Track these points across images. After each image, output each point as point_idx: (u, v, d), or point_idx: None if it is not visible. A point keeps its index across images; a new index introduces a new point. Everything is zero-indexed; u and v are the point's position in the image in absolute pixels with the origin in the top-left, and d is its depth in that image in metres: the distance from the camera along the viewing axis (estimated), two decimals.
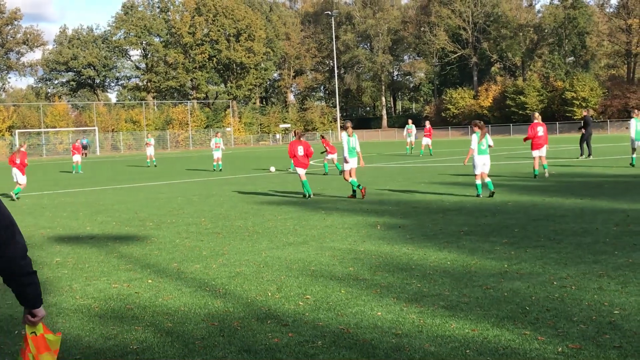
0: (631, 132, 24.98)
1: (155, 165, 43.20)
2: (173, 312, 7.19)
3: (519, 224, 12.25)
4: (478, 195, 16.68)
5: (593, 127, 32.39)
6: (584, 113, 31.79)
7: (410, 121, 44.69)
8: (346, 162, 18.48)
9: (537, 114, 22.42)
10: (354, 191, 18.29)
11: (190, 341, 6.20)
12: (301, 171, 18.99)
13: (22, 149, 23.27)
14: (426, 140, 40.92)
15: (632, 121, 25.09)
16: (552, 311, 6.63)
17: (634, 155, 24.72)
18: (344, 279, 8.40)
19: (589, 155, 30.27)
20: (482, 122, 17.15)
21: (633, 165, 24.48)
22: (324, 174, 27.91)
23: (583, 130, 31.25)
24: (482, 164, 16.78)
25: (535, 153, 21.58)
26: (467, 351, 5.61)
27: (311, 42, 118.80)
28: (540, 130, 21.50)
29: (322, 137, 31.78)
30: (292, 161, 19.56)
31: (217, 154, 34.57)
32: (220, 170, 33.84)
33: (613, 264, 8.61)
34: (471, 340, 5.90)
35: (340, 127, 20.46)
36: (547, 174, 21.92)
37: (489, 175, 17.18)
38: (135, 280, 8.89)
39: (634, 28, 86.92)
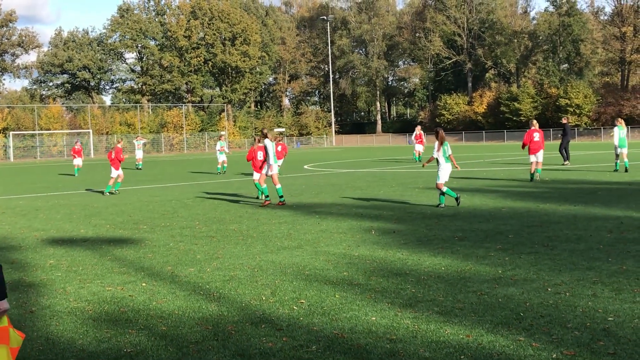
0: (615, 139, 25.93)
1: (140, 169, 42.89)
2: (167, 316, 7.17)
3: (513, 230, 12.27)
4: (438, 205, 16.21)
5: (586, 134, 33.80)
6: (563, 121, 32.40)
7: (419, 127, 44.79)
8: (270, 168, 18.45)
9: (534, 121, 23.86)
10: (266, 196, 18.35)
11: (184, 345, 6.19)
12: (256, 176, 19.54)
13: (119, 146, 24.75)
14: (419, 147, 40.65)
15: (615, 129, 26.09)
16: (547, 317, 6.64)
17: (618, 161, 25.97)
18: (338, 284, 8.39)
19: (567, 160, 30.95)
20: (439, 130, 16.77)
21: (617, 171, 25.68)
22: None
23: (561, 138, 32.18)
24: (445, 173, 16.35)
25: (532, 158, 22.87)
26: (462, 357, 5.62)
27: (306, 47, 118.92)
28: (537, 135, 22.88)
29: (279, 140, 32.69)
30: (251, 164, 20.08)
31: (222, 157, 34.55)
32: (224, 172, 33.98)
33: (607, 270, 8.63)
34: (466, 346, 5.90)
35: (262, 134, 20.56)
36: (538, 178, 22.79)
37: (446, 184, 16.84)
38: (129, 283, 8.87)
39: (628, 36, 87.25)
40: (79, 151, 39.76)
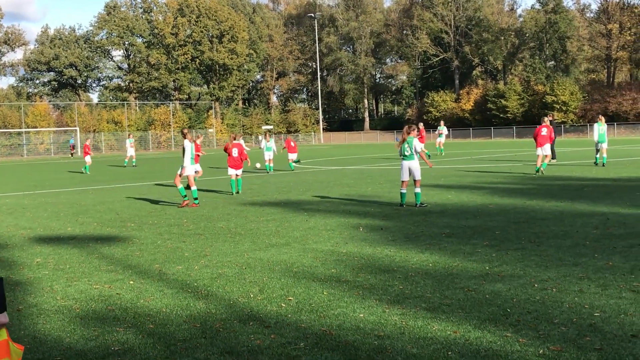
0: (595, 135, 27.35)
1: (135, 165, 43.89)
2: (155, 314, 7.16)
3: (500, 226, 12.31)
4: (401, 205, 15.96)
5: (572, 131, 34.57)
6: (549, 118, 32.60)
7: (442, 123, 46.07)
8: (185, 169, 18.15)
9: (545, 118, 25.93)
10: (195, 198, 18.06)
11: (172, 343, 6.18)
12: (232, 171, 21.05)
13: (197, 142, 23.32)
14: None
15: (595, 125, 27.59)
16: (533, 313, 6.67)
17: (598, 156, 27.49)
18: (326, 281, 8.40)
19: (553, 158, 30.78)
20: (409, 126, 16.35)
21: (596, 164, 27.22)
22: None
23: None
24: (407, 169, 15.97)
25: (539, 151, 24.38)
26: (449, 353, 5.64)
27: (294, 44, 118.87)
28: (544, 130, 24.48)
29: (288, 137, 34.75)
30: (227, 160, 21.41)
31: (269, 154, 32.23)
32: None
33: (593, 266, 8.68)
34: (453, 342, 5.92)
35: (182, 134, 20.69)
36: (542, 172, 23.90)
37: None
38: (116, 281, 8.85)
39: (614, 33, 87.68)
40: (88, 147, 40.50)
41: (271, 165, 31.87)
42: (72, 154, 76.96)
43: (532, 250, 9.92)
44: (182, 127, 19.42)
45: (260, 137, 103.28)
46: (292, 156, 34.08)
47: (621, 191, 17.52)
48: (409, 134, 16.06)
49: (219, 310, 7.20)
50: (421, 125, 37.34)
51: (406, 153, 16.00)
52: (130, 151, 44.29)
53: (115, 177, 32.68)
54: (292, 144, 34.47)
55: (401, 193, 16.09)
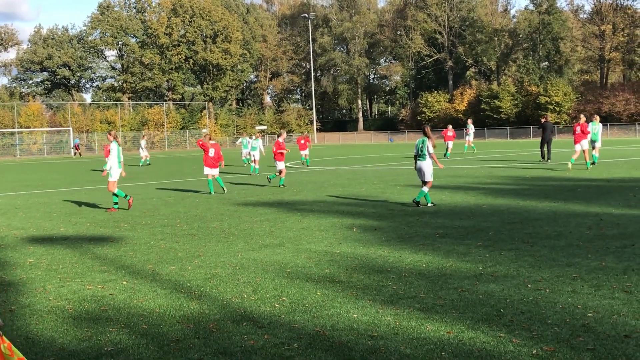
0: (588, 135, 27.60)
1: (149, 164, 45.12)
2: (148, 314, 7.15)
3: (493, 227, 12.33)
4: (425, 204, 15.93)
5: (565, 132, 36.01)
6: (542, 120, 33.36)
7: (470, 121, 47.03)
8: (112, 174, 17.88)
9: (582, 115, 27.56)
10: (115, 203, 17.75)
11: (165, 343, 6.17)
12: (208, 171, 21.50)
13: (280, 139, 24.07)
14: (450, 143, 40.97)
15: (590, 125, 28.14)
16: (527, 314, 6.68)
17: (596, 154, 28.35)
18: (320, 281, 8.40)
19: (548, 159, 31.45)
20: (427, 127, 16.40)
21: (593, 163, 27.72)
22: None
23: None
24: (418, 170, 16.12)
25: (577, 147, 26.43)
26: (443, 353, 5.64)
27: (288, 45, 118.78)
28: (578, 129, 26.40)
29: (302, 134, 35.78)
30: (203, 158, 21.82)
31: (255, 154, 32.16)
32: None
33: (586, 267, 8.69)
34: (446, 342, 5.92)
35: (111, 135, 20.41)
36: (591, 165, 26.40)
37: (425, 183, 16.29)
38: (109, 281, 8.83)
39: (607, 34, 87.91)
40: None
41: (257, 167, 31.35)
42: (75, 154, 76.72)
43: (526, 250, 9.94)
44: (109, 130, 18.99)
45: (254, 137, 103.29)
46: (305, 152, 36.56)
47: (614, 192, 17.57)
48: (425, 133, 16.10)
49: (213, 311, 7.19)
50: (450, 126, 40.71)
51: (421, 152, 16.06)
52: (144, 151, 45.34)
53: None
54: (302, 141, 36.79)
55: (423, 192, 16.01)
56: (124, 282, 8.73)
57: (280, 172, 23.27)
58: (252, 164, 31.49)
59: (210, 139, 22.10)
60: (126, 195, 17.82)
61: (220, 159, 21.79)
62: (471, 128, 44.96)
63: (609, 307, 6.83)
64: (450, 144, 40.54)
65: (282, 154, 23.49)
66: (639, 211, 13.68)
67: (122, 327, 6.70)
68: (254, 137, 32.73)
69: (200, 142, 21.86)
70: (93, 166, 46.86)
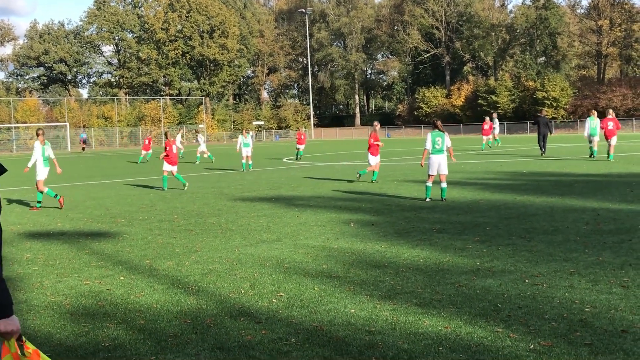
0: (586, 129, 29.26)
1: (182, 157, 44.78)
2: (145, 309, 7.14)
3: (490, 222, 12.34)
4: (425, 199, 16.00)
5: (562, 127, 38.06)
6: (540, 115, 34.67)
7: (495, 114, 48.79)
8: (38, 172, 17.65)
9: (610, 111, 29.05)
10: (39, 202, 17.67)
11: (162, 338, 6.16)
12: (168, 167, 21.91)
13: (375, 130, 22.18)
14: (486, 137, 43.14)
15: (588, 120, 29.46)
16: (524, 309, 6.69)
17: (595, 148, 29.04)
18: (317, 276, 8.40)
19: (542, 152, 32.43)
20: (438, 121, 16.49)
21: (592, 155, 28.86)
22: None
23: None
24: (438, 164, 16.04)
25: (609, 142, 27.36)
26: (440, 348, 5.64)
27: (285, 40, 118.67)
28: (610, 124, 27.66)
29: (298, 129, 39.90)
30: (164, 158, 22.12)
31: (247, 150, 31.09)
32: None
33: (584, 262, 8.70)
34: (444, 337, 5.92)
35: (37, 134, 20.06)
36: (609, 160, 26.77)
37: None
38: (107, 277, 8.82)
39: (604, 29, 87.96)
40: (150, 139, 44.74)
41: (250, 162, 30.76)
42: (83, 149, 76.65)
43: (523, 245, 9.94)
44: (38, 128, 18.91)
45: (251, 133, 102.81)
46: (300, 147, 39.02)
47: (612, 187, 17.58)
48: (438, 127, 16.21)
49: (210, 306, 7.19)
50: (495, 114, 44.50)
51: (437, 147, 16.00)
52: (202, 146, 43.36)
53: (104, 173, 32.57)
54: (302, 137, 39.52)
55: (427, 187, 16.13)
56: (121, 278, 8.73)
57: (374, 165, 21.65)
58: (244, 161, 30.39)
59: (169, 136, 23.04)
60: (56, 195, 17.38)
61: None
62: (496, 122, 46.48)
63: (606, 302, 6.84)
64: (485, 137, 43.03)
65: (377, 146, 21.73)
66: (636, 206, 13.70)
67: (120, 323, 6.70)
68: (241, 133, 31.72)
69: (167, 142, 22.37)
70: (99, 162, 46.79)
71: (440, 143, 16.01)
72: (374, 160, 21.71)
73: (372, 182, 21.43)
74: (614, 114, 28.07)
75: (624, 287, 7.36)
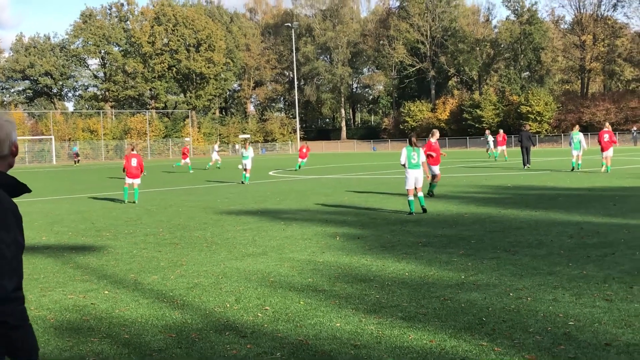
0: (572, 144, 30.19)
1: (218, 167, 47.81)
2: (130, 324, 7.11)
3: (475, 235, 12.38)
4: (410, 213, 16.00)
5: (547, 140, 39.58)
6: (522, 129, 36.14)
7: (488, 131, 53.17)
8: None
9: (607, 124, 29.32)
10: None
11: (147, 353, 6.14)
12: (129, 180, 22.23)
13: (432, 140, 21.11)
14: (501, 148, 45.06)
15: (572, 134, 30.62)
16: (509, 322, 6.71)
17: (576, 161, 29.98)
18: (303, 290, 8.40)
19: (526, 165, 33.50)
20: (414, 137, 16.72)
21: (573, 169, 29.73)
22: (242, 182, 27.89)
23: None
24: (414, 178, 16.23)
25: (603, 154, 27.76)
26: None
27: (271, 54, 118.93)
28: (606, 136, 27.69)
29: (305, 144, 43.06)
30: (125, 170, 22.52)
31: (246, 162, 31.17)
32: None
33: (567, 275, 8.75)
34: (429, 351, 5.94)
35: None
36: (603, 169, 27.65)
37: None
38: (91, 291, 8.78)
39: (588, 44, 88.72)
40: (187, 149, 47.74)
41: (247, 175, 30.98)
42: (75, 162, 76.35)
43: (508, 259, 9.99)
44: None
45: (237, 146, 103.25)
46: (302, 160, 41.33)
47: (595, 201, 17.70)
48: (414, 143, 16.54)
49: (195, 320, 7.17)
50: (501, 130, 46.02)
51: (413, 161, 16.29)
52: (215, 155, 49.12)
53: (90, 186, 32.44)
54: (304, 150, 41.56)
55: (409, 201, 16.22)
56: (106, 292, 8.69)
57: (434, 177, 20.45)
58: (244, 172, 30.70)
59: (132, 149, 23.24)
60: None
61: (142, 169, 22.68)
62: (490, 137, 49.76)
63: (590, 315, 6.88)
64: (500, 148, 44.71)
65: (433, 157, 20.54)
66: (619, 220, 13.79)
67: (104, 337, 6.67)
68: (242, 146, 32.52)
69: (125, 156, 23.03)
70: (87, 175, 46.58)
71: (416, 158, 16.34)
72: (437, 170, 20.66)
73: (429, 194, 19.99)
74: (610, 127, 28.69)
75: (607, 301, 7.41)
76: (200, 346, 6.27)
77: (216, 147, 52.15)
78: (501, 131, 46.31)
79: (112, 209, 20.29)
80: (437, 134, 21.25)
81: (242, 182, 30.27)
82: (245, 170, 30.58)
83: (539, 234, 12.23)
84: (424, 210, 16.13)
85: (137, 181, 22.32)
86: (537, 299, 7.57)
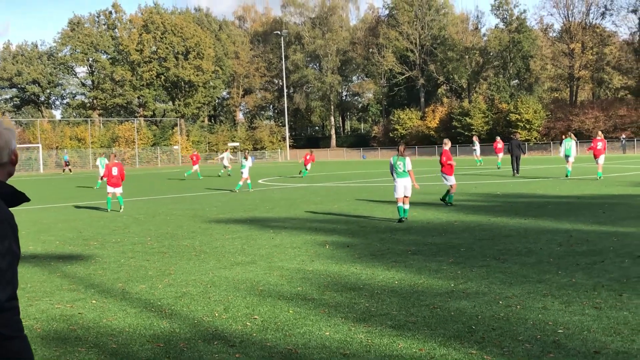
0: (561, 150, 30.77)
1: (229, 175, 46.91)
2: (118, 333, 7.06)
3: (465, 243, 12.38)
4: (400, 220, 16.15)
5: (536, 149, 40.20)
6: (512, 137, 36.72)
7: (475, 137, 52.67)
8: None
9: (599, 132, 30.01)
10: None
11: None
12: (111, 189, 22.28)
13: (446, 148, 20.82)
14: (500, 155, 44.78)
15: (564, 141, 30.80)
16: (498, 330, 6.70)
17: (569, 168, 30.13)
18: (292, 299, 8.36)
19: (516, 173, 33.84)
20: (402, 146, 17.08)
21: (567, 177, 29.86)
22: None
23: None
24: (403, 187, 16.44)
25: (600, 160, 28.02)
26: None
27: (260, 62, 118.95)
28: (600, 144, 27.93)
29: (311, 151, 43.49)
30: (106, 179, 22.74)
31: (244, 171, 31.05)
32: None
33: (557, 283, 8.75)
34: (419, 359, 5.91)
35: None
36: (598, 177, 27.91)
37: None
38: (79, 300, 8.71)
39: (577, 52, 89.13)
40: (198, 156, 47.94)
41: (249, 181, 30.67)
42: (64, 170, 76.00)
43: (497, 267, 9.99)
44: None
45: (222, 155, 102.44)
46: (308, 167, 42.12)
47: (584, 208, 17.75)
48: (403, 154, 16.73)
49: (183, 330, 7.12)
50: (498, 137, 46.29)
51: (399, 170, 16.51)
52: (226, 161, 49.31)
53: (79, 195, 32.29)
54: (308, 157, 42.38)
55: (399, 207, 16.42)
56: (93, 301, 8.63)
57: (451, 187, 20.14)
58: (248, 181, 30.66)
59: (114, 156, 23.41)
60: None
61: (123, 178, 22.68)
62: (477, 144, 50.33)
63: (579, 323, 6.87)
64: (500, 155, 44.22)
65: (451, 165, 20.26)
66: (608, 228, 13.83)
67: (91, 347, 6.61)
68: (244, 157, 32.18)
69: (107, 165, 23.01)
70: (74, 183, 46.36)
71: (402, 166, 16.53)
72: (452, 180, 20.22)
73: (448, 204, 19.80)
74: (602, 135, 29.15)
75: (596, 309, 7.41)
76: (188, 356, 6.22)
77: (227, 154, 51.33)
78: (498, 138, 46.27)
79: (99, 217, 20.19)
80: (449, 142, 21.24)
81: (249, 190, 30.22)
82: (247, 178, 30.36)
83: (528, 242, 12.25)
84: (404, 220, 16.18)
85: (119, 190, 22.38)
86: (526, 307, 7.56)
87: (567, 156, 30.17)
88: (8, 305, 2.87)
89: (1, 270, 2.84)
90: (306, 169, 42.45)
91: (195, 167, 46.21)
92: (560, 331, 6.61)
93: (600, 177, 28.02)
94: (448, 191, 20.23)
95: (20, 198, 3.12)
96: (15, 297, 2.94)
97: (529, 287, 8.56)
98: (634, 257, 10.36)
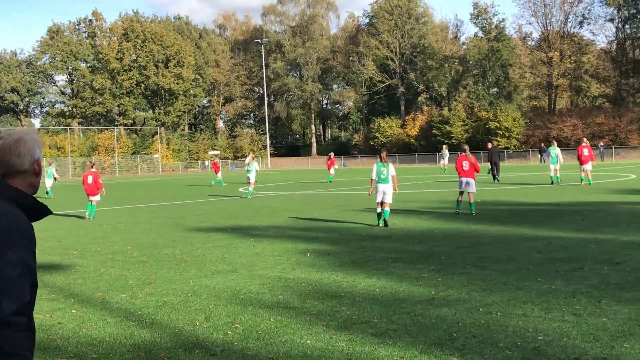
0: (549, 157, 31.55)
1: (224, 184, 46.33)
2: (98, 343, 7.01)
3: (445, 251, 12.43)
4: (379, 225, 16.90)
5: (515, 156, 42.06)
6: (488, 146, 37.84)
7: (445, 146, 55.62)
8: None
9: (585, 139, 31.40)
10: None
11: None
12: (93, 198, 22.39)
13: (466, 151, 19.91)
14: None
15: (549, 149, 31.91)
16: (479, 337, 6.73)
17: (554, 175, 30.76)
18: (273, 308, 8.35)
19: (496, 179, 35.46)
20: (384, 153, 17.53)
21: (552, 183, 30.61)
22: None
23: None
24: (382, 192, 16.91)
25: (583, 167, 29.24)
26: None
27: (241, 70, 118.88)
28: (586, 151, 29.01)
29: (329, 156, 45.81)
30: (84, 188, 22.81)
31: (250, 176, 31.63)
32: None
33: (537, 290, 8.81)
34: None
35: None
36: (582, 183, 29.13)
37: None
38: (58, 310, 8.65)
39: (555, 61, 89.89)
40: (217, 164, 49.29)
41: (250, 189, 30.93)
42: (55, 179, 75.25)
43: (477, 274, 10.03)
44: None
45: (207, 163, 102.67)
46: (331, 171, 44.37)
47: (563, 215, 17.88)
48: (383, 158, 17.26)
49: (164, 339, 7.09)
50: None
51: (382, 176, 16.96)
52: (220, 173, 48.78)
53: (58, 204, 32.06)
54: (328, 162, 44.79)
55: (377, 213, 17.03)
56: (73, 311, 8.56)
57: (469, 195, 19.35)
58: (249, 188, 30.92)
59: (92, 166, 23.65)
60: None
61: (100, 186, 22.62)
62: (446, 152, 53.05)
63: (558, 330, 6.92)
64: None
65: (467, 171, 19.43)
66: (587, 235, 13.94)
67: (71, 357, 6.57)
68: (254, 162, 32.12)
69: (84, 173, 23.27)
70: (56, 192, 46.02)
71: (385, 173, 16.99)
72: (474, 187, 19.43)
73: (472, 214, 18.88)
74: (588, 143, 30.11)
75: (575, 315, 7.47)
76: None
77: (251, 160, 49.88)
78: (489, 145, 46.44)
79: (79, 226, 20.06)
80: (467, 148, 20.15)
81: (249, 197, 30.31)
82: (249, 184, 30.75)
83: (508, 249, 12.31)
84: (385, 225, 16.68)
85: (96, 198, 22.47)
86: (506, 314, 7.60)
87: (552, 164, 30.85)
88: (13, 320, 2.72)
89: (9, 280, 2.71)
90: (330, 174, 43.94)
91: (219, 174, 47.02)
92: (540, 338, 6.65)
93: (590, 184, 28.75)
94: (459, 201, 19.42)
95: (41, 211, 2.94)
96: (25, 313, 2.78)
97: (509, 294, 8.61)
98: (612, 264, 10.45)
